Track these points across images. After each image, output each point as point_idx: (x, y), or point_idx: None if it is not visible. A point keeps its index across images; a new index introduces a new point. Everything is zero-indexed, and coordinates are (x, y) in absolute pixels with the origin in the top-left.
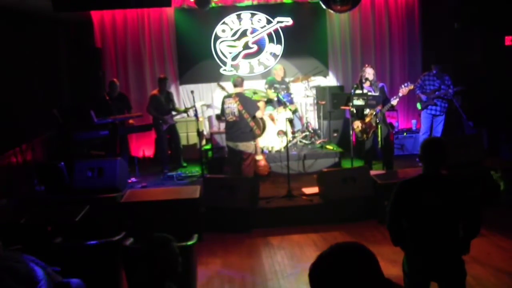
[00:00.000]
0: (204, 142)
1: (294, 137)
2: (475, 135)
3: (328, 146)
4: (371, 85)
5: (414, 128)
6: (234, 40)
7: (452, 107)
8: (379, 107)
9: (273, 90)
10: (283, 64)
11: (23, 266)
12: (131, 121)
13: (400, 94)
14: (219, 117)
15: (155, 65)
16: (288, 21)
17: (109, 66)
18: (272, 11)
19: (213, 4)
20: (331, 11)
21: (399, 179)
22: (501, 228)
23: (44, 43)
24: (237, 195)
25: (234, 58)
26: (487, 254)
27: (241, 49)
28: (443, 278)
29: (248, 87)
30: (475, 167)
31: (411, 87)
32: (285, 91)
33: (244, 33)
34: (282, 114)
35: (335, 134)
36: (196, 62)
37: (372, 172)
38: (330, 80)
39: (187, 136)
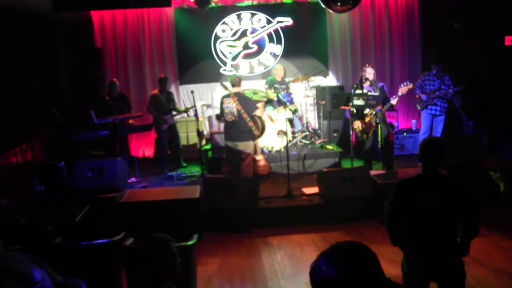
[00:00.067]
0: (204, 142)
1: (294, 137)
2: (475, 135)
3: (328, 146)
4: (371, 85)
5: (414, 128)
6: (234, 40)
7: (452, 107)
8: (379, 107)
9: (273, 90)
10: (283, 64)
11: (23, 266)
12: (131, 121)
13: (400, 94)
14: (219, 117)
15: (155, 65)
16: (288, 21)
17: (109, 66)
18: (272, 11)
19: (213, 4)
20: (331, 11)
21: (399, 179)
22: (501, 228)
23: (44, 43)
24: (237, 195)
25: (234, 58)
26: (487, 254)
27: (241, 49)
28: (442, 278)
29: (248, 87)
30: (475, 167)
31: (410, 86)
32: (285, 91)
33: (244, 33)
34: (282, 114)
35: (335, 134)
36: (196, 62)
37: (372, 172)
38: (330, 80)
39: (187, 136)
